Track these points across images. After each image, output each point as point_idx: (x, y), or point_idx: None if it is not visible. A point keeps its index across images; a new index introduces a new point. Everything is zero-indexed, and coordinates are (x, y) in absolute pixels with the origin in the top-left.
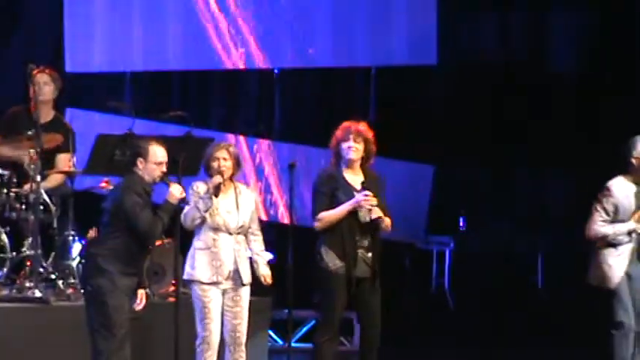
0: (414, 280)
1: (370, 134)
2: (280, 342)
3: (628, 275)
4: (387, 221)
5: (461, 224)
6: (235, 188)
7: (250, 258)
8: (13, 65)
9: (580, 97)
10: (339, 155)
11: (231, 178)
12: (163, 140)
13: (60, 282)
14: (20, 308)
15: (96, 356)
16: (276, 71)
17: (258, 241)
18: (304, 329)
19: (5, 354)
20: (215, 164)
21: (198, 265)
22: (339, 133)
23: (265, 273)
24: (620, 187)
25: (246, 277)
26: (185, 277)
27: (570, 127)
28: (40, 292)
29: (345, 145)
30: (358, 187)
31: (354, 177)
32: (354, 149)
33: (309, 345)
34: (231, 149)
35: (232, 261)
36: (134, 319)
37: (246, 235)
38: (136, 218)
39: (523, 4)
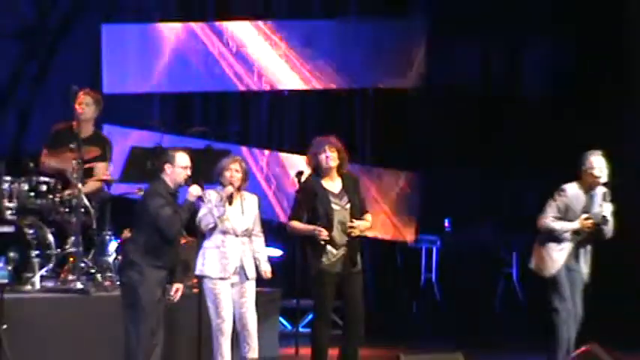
0: (405, 275)
1: (340, 144)
2: (289, 327)
3: (567, 268)
4: (363, 226)
5: (446, 225)
6: (241, 195)
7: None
8: (57, 87)
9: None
10: (317, 166)
11: (239, 188)
12: (188, 151)
13: (99, 275)
14: (64, 298)
15: (128, 341)
16: (285, 92)
17: (259, 241)
18: (310, 316)
19: (51, 339)
20: (228, 174)
21: (208, 263)
22: (314, 147)
23: (266, 269)
24: (573, 191)
25: (251, 273)
26: (197, 272)
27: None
28: (82, 284)
29: (322, 156)
30: (335, 189)
31: (332, 183)
32: (331, 158)
33: None
34: (243, 164)
35: (238, 259)
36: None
37: (250, 237)
38: (157, 216)
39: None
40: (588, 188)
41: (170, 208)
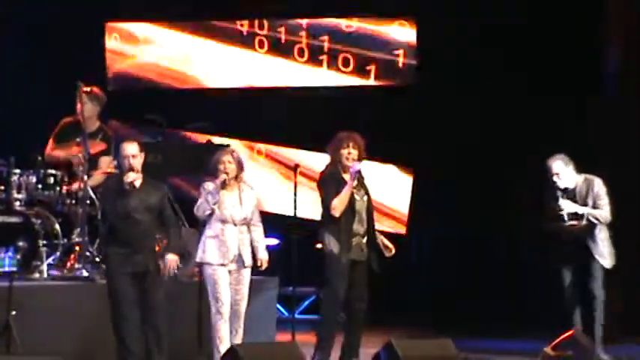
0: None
1: (363, 143)
2: (286, 314)
3: None
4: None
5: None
6: (239, 187)
7: (252, 245)
8: (64, 84)
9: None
10: (337, 159)
11: (236, 178)
12: (188, 146)
13: (103, 264)
14: (71, 286)
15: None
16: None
17: (258, 230)
18: (306, 303)
19: (58, 324)
20: (221, 167)
21: (208, 250)
22: (338, 141)
23: (263, 257)
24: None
25: (248, 260)
26: (197, 259)
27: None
28: (87, 272)
29: (344, 152)
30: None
31: (347, 176)
32: (352, 155)
33: (310, 316)
34: (235, 154)
35: (236, 247)
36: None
37: (248, 226)
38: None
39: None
40: None
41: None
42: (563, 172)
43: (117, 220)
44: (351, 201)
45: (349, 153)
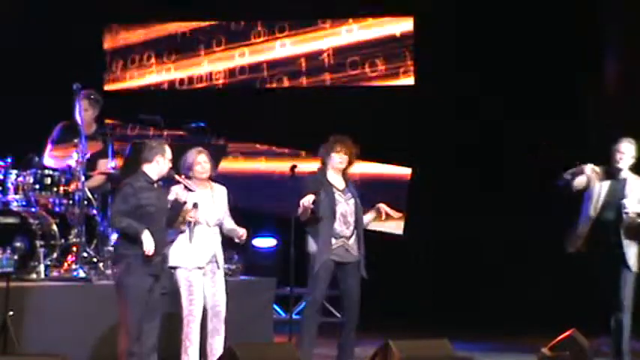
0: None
1: (354, 148)
2: (283, 314)
3: None
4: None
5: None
6: (211, 187)
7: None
8: (62, 85)
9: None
10: (327, 162)
11: (209, 178)
12: (187, 147)
13: (101, 264)
14: (68, 286)
15: (120, 327)
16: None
17: (230, 223)
18: (303, 304)
19: (55, 325)
20: (199, 167)
21: (182, 253)
22: (329, 144)
23: (242, 232)
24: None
25: (221, 262)
26: (171, 263)
27: None
28: (84, 272)
29: (334, 155)
30: (340, 186)
31: (337, 178)
32: (342, 160)
33: None
34: (207, 153)
35: (211, 249)
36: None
37: (220, 227)
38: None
39: None
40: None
41: (127, 201)
42: (628, 153)
43: (143, 221)
44: (331, 203)
45: (339, 158)
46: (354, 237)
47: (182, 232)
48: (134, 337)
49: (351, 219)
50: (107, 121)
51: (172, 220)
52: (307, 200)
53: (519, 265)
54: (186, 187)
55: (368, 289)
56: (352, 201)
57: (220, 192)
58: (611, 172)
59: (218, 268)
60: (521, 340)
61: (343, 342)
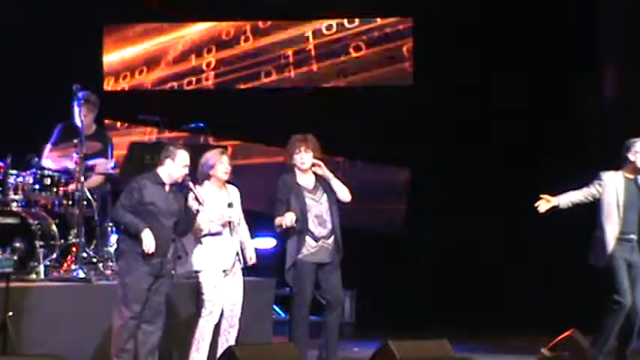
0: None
1: (317, 144)
2: (283, 315)
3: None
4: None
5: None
6: (226, 189)
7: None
8: (61, 85)
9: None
10: (292, 164)
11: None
12: (186, 147)
13: (100, 265)
14: (67, 286)
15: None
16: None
17: (245, 229)
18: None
19: (55, 325)
20: (223, 168)
21: (205, 255)
22: (290, 146)
23: (252, 255)
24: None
25: (241, 262)
26: (195, 266)
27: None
28: (84, 273)
29: (297, 156)
30: (309, 185)
31: (306, 178)
32: (305, 159)
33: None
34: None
35: (233, 250)
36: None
37: (236, 228)
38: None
39: None
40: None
41: (131, 195)
42: None
43: (147, 220)
44: (302, 207)
45: (302, 157)
46: (332, 236)
47: (202, 236)
48: (129, 335)
49: (327, 217)
50: (107, 121)
51: (188, 226)
52: (290, 220)
53: (519, 265)
54: (196, 197)
55: (368, 289)
56: (325, 198)
57: (235, 193)
58: (627, 174)
59: (240, 264)
60: (521, 340)
61: (325, 343)
